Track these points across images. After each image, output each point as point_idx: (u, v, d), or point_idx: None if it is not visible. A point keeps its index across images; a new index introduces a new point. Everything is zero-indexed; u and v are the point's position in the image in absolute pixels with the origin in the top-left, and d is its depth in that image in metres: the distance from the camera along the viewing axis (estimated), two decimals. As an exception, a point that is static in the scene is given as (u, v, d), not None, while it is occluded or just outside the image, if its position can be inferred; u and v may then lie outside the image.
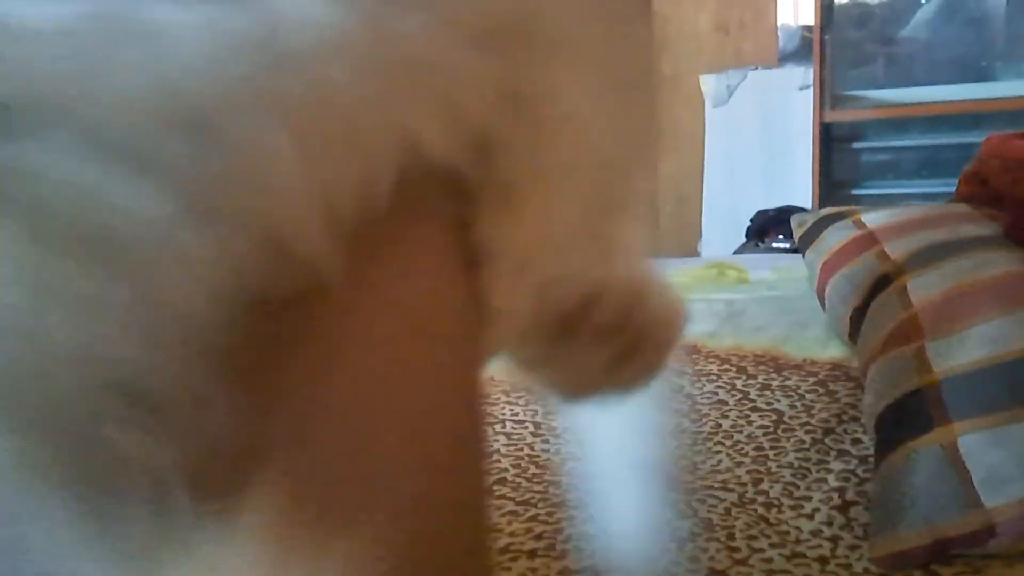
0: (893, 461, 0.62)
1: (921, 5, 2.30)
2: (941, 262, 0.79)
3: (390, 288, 0.26)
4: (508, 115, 0.27)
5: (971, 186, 0.98)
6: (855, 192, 2.20)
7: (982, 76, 2.20)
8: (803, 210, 1.72)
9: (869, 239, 0.95)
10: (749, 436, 0.78)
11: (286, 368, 0.24)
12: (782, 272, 1.31)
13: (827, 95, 2.10)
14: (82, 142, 0.20)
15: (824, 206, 2.02)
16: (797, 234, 1.17)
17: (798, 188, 2.14)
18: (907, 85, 2.19)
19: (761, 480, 0.69)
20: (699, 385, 0.90)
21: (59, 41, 0.20)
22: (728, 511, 0.65)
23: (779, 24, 2.31)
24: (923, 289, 0.77)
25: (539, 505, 0.68)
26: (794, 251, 1.34)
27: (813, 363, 0.94)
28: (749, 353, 0.98)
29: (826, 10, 2.11)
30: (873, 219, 0.99)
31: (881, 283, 0.85)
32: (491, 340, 0.29)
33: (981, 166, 0.96)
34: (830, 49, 2.11)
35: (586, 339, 0.32)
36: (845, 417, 0.81)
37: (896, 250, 0.87)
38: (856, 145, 2.21)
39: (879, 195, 2.19)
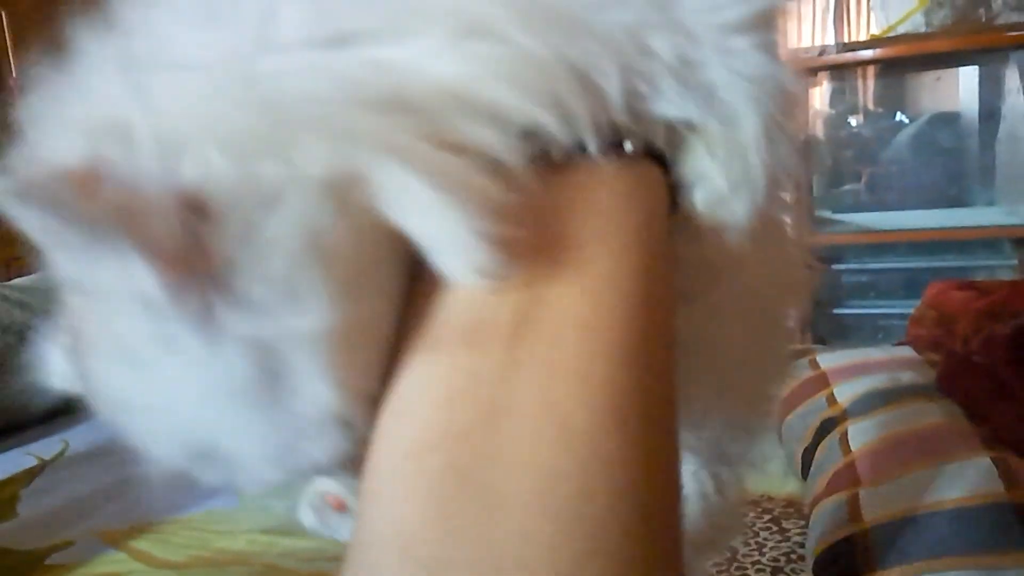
0: (823, 607, 0.67)
1: (898, 131, 2.41)
2: (879, 410, 0.85)
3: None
4: None
5: (917, 329, 1.05)
6: (836, 312, 2.27)
7: (956, 202, 2.29)
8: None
9: (821, 381, 1.01)
10: (702, 574, 0.83)
11: None
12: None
13: (808, 219, 2.19)
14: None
15: (807, 326, 2.09)
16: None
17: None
18: (885, 209, 2.28)
19: (706, 621, 0.74)
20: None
21: None
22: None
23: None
24: (862, 436, 0.83)
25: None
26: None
27: (770, 499, 0.99)
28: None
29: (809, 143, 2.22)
30: (827, 360, 1.05)
31: (827, 427, 0.91)
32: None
33: (923, 313, 1.03)
34: (811, 177, 2.21)
35: None
36: (794, 556, 0.86)
37: (843, 394, 0.93)
38: (836, 267, 2.29)
39: (861, 315, 2.26)
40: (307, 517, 0.52)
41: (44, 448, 1.02)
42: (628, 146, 0.27)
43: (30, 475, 0.94)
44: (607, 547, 0.23)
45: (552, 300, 0.25)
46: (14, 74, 2.68)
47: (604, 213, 0.27)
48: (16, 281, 1.56)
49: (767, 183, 0.30)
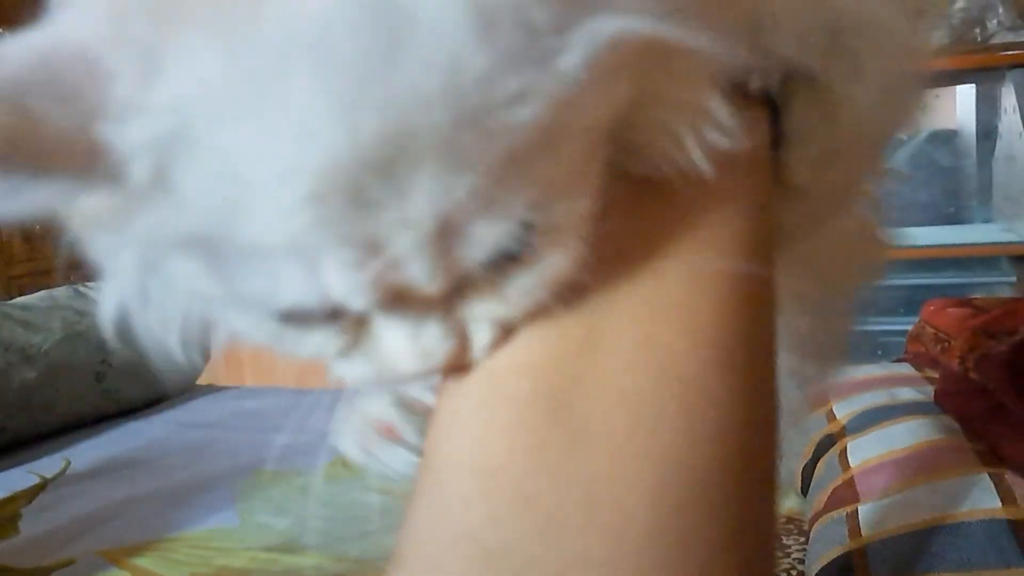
0: (821, 623, 0.67)
1: (896, 149, 2.42)
2: (878, 427, 0.86)
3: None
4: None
5: (916, 346, 1.06)
6: (836, 329, 2.27)
7: (954, 220, 2.30)
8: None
9: (820, 397, 1.01)
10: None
11: None
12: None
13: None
14: None
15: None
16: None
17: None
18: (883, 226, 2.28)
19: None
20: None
21: None
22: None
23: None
24: (861, 452, 0.84)
25: None
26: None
27: (770, 516, 0.99)
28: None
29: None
30: (826, 377, 1.06)
31: (826, 443, 0.91)
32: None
33: (921, 330, 1.04)
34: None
35: None
36: (794, 573, 0.86)
37: (842, 411, 0.94)
38: (836, 284, 2.29)
39: (860, 332, 2.25)
40: (349, 448, 0.46)
41: (46, 466, 1.02)
42: (755, 82, 0.26)
43: (32, 493, 0.94)
44: (711, 496, 0.22)
45: (662, 230, 0.24)
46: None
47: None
48: (18, 300, 1.56)
49: (872, 147, 0.29)
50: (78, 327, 1.49)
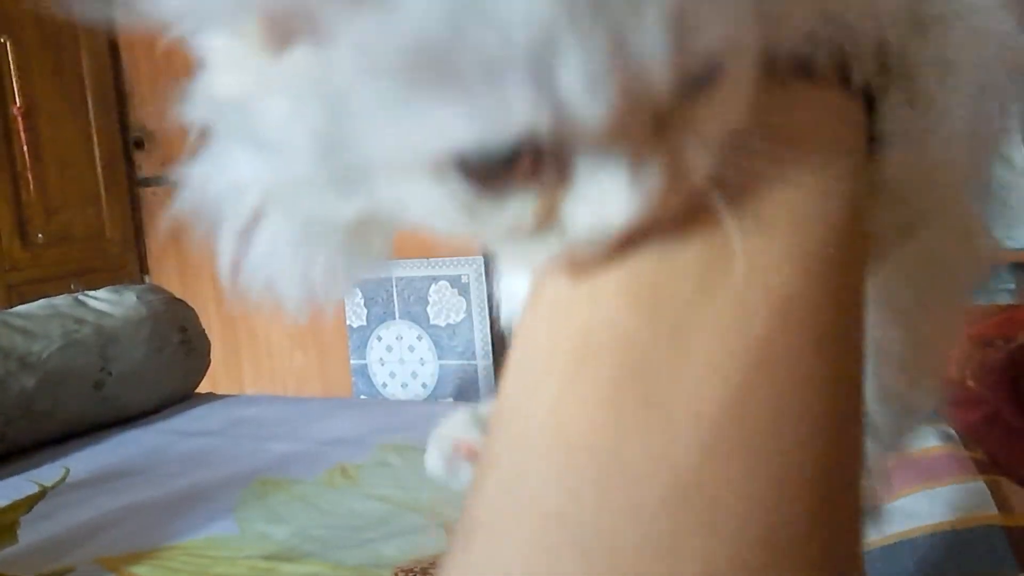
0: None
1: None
2: (877, 434, 0.86)
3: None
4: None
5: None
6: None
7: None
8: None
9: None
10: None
11: None
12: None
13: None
14: None
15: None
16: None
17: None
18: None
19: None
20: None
21: None
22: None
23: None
24: (859, 460, 0.84)
25: None
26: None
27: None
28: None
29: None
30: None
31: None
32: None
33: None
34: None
35: None
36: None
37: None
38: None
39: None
40: (434, 463, 0.47)
41: (45, 474, 1.02)
42: (857, 77, 0.25)
43: (31, 501, 0.94)
44: (798, 485, 0.22)
45: (759, 217, 0.23)
46: (18, 102, 2.70)
47: (826, 138, 0.25)
48: (18, 308, 1.56)
49: (970, 150, 0.28)
50: (77, 335, 1.49)
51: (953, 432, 0.82)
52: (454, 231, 0.23)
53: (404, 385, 2.76)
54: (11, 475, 1.25)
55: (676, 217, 0.23)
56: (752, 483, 0.21)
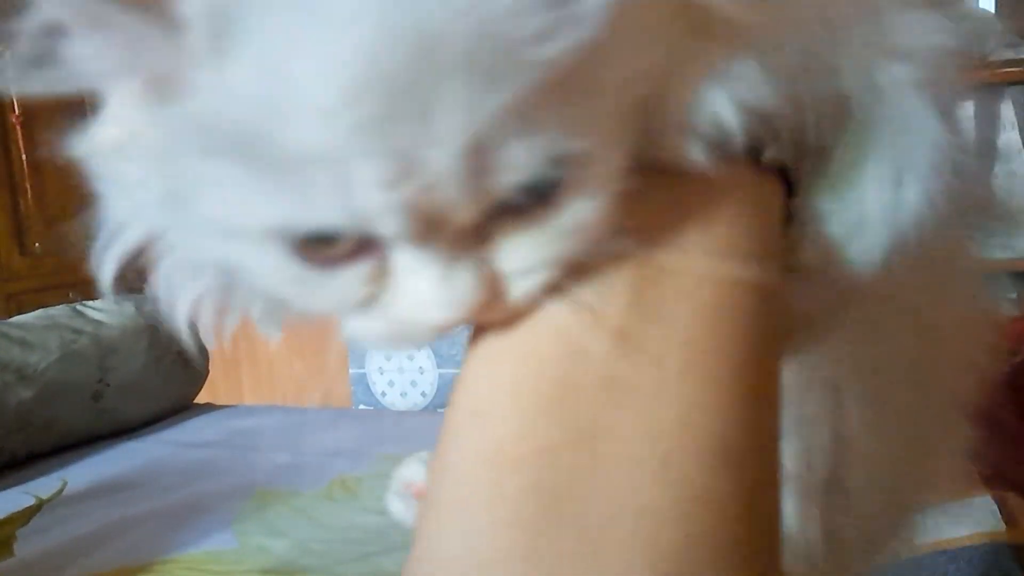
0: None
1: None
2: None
3: None
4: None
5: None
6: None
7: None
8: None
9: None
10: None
11: None
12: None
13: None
14: None
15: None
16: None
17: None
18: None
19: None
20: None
21: None
22: None
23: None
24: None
25: None
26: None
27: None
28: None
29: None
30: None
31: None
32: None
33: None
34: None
35: None
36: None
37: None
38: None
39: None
40: (394, 506, 0.50)
41: (42, 486, 1.01)
42: (769, 154, 0.25)
43: (28, 514, 0.93)
44: None
45: (662, 315, 0.23)
46: (17, 111, 2.70)
47: (727, 224, 0.24)
48: (15, 319, 1.56)
49: (931, 210, 0.26)
50: (75, 346, 1.48)
51: (958, 445, 0.81)
52: (289, 299, 0.24)
53: (403, 394, 2.76)
54: (8, 487, 1.24)
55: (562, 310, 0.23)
56: None
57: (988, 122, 2.23)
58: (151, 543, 1.04)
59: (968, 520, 0.69)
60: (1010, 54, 1.90)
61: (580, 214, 0.22)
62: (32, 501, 0.94)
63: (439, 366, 2.70)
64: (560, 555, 0.21)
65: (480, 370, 0.24)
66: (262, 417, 1.61)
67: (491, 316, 0.23)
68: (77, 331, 1.51)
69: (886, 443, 0.35)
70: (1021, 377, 0.82)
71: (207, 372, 1.75)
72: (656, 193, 0.23)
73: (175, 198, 0.22)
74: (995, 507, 0.69)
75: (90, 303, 1.62)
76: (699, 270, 0.23)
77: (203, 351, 1.73)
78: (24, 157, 2.72)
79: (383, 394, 2.79)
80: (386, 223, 0.20)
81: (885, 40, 0.25)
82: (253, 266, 0.23)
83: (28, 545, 0.94)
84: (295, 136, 0.19)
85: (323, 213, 0.20)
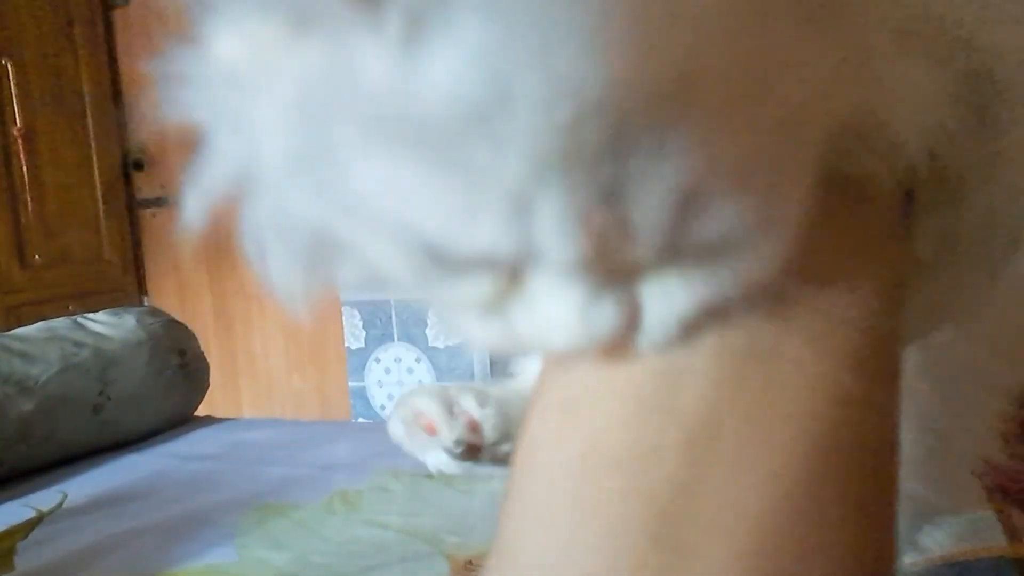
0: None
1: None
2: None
3: None
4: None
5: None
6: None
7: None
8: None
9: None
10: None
11: None
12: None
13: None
14: None
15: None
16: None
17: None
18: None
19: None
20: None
21: None
22: None
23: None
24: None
25: None
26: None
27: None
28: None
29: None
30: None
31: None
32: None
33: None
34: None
35: None
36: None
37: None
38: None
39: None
40: (395, 427, 0.51)
41: (43, 499, 1.01)
42: (883, 176, 0.23)
43: (28, 527, 0.93)
44: None
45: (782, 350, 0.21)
46: (18, 123, 2.70)
47: (853, 272, 0.23)
48: (17, 331, 1.56)
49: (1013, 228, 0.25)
50: (76, 359, 1.48)
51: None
52: (403, 286, 0.22)
53: (403, 408, 2.75)
54: (8, 500, 1.24)
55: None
56: None
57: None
58: (152, 556, 1.04)
59: (970, 535, 0.69)
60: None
61: (747, 263, 0.20)
62: (32, 514, 0.94)
63: (438, 379, 2.70)
64: (665, 570, 0.20)
65: (571, 361, 0.22)
66: (263, 430, 1.60)
67: (616, 354, 0.21)
68: (78, 343, 1.51)
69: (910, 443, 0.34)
70: None
71: (207, 385, 1.75)
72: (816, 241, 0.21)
73: (307, 158, 0.20)
74: (997, 521, 0.69)
75: (91, 315, 1.62)
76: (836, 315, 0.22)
77: (204, 364, 1.73)
78: (25, 170, 2.72)
79: (382, 407, 2.78)
80: (556, 251, 0.19)
81: None
82: (375, 249, 0.21)
83: (28, 558, 0.94)
84: (499, 150, 0.17)
85: (488, 231, 0.18)
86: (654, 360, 0.21)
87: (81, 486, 1.30)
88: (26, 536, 0.93)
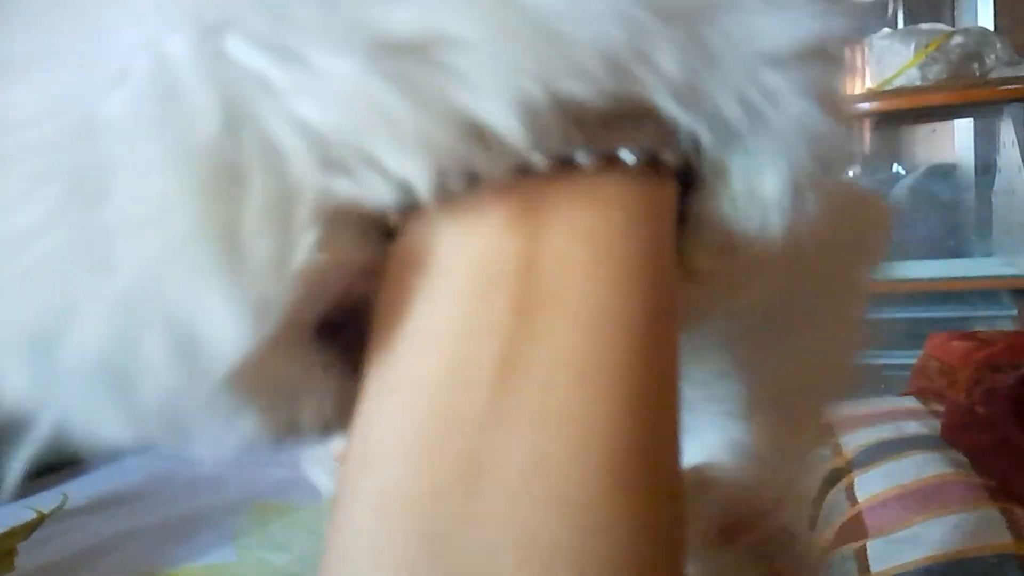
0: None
1: (896, 183, 2.43)
2: (885, 461, 0.85)
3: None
4: None
5: (921, 380, 1.05)
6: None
7: (955, 253, 2.30)
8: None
9: (827, 431, 1.01)
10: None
11: None
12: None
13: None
14: None
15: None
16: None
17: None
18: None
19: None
20: None
21: None
22: None
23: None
24: (867, 487, 0.83)
25: None
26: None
27: (776, 552, 0.98)
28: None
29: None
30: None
31: (833, 477, 0.90)
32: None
33: (925, 364, 1.04)
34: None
35: (741, 556, 0.30)
36: (801, 609, 0.85)
37: (848, 445, 0.93)
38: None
39: (864, 365, 2.25)
40: (320, 479, 0.50)
41: (43, 501, 1.01)
42: (628, 156, 0.22)
43: (29, 528, 0.93)
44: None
45: (545, 337, 0.21)
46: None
47: (604, 237, 0.22)
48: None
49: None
50: (77, 360, 1.48)
51: (964, 458, 0.81)
52: None
53: (404, 411, 2.75)
54: (8, 502, 1.24)
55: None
56: None
57: (987, 140, 2.24)
58: (152, 556, 1.04)
59: (974, 532, 0.69)
60: (1008, 72, 1.91)
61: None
62: (33, 515, 0.93)
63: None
64: None
65: (371, 408, 0.23)
66: (263, 432, 1.60)
67: None
68: (79, 345, 1.51)
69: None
70: (1025, 390, 0.82)
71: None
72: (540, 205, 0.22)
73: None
74: (1001, 519, 0.69)
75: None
76: (586, 288, 0.22)
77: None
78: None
79: (383, 410, 2.77)
80: None
81: (752, 49, 0.23)
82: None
83: (29, 559, 0.94)
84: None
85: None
86: (436, 398, 0.22)
87: (82, 487, 1.29)
88: (27, 537, 0.92)
